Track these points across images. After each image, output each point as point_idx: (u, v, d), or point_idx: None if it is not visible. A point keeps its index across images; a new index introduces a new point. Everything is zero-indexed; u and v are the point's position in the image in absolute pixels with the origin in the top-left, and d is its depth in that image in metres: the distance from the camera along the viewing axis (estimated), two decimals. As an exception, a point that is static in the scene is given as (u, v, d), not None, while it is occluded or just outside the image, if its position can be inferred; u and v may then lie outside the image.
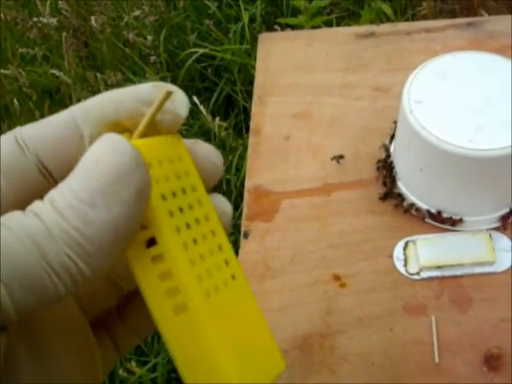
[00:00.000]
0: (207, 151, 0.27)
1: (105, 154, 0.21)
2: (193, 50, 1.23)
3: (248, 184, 0.67)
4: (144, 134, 0.24)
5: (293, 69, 0.76)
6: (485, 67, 0.58)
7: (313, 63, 0.76)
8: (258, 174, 0.67)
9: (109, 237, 0.21)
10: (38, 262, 0.20)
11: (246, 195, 0.66)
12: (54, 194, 0.21)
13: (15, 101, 1.25)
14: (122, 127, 0.25)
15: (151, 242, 0.23)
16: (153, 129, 0.25)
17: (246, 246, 0.62)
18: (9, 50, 1.29)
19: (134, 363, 1.08)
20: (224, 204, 0.28)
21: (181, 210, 0.24)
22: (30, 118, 1.35)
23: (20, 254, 0.20)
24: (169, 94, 0.24)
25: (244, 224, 0.63)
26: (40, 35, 1.26)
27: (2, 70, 1.22)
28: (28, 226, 0.20)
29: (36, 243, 0.20)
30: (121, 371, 1.10)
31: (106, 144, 0.22)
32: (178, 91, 0.25)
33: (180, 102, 0.25)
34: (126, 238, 0.22)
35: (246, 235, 0.63)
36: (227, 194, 1.20)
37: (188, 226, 0.24)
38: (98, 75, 1.20)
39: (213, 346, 0.23)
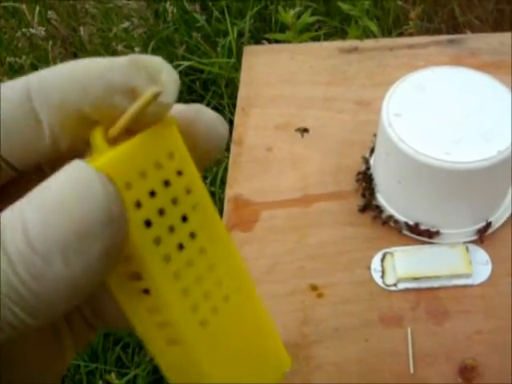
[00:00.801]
0: (211, 121, 0.23)
1: (70, 198, 0.17)
2: (180, 62, 1.24)
3: (228, 194, 0.67)
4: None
5: (276, 81, 0.77)
6: (463, 82, 0.59)
7: (296, 76, 0.77)
8: (239, 184, 0.67)
9: (62, 295, 0.18)
10: None
11: (226, 205, 0.66)
12: (7, 220, 0.18)
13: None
14: (87, 118, 0.20)
15: (136, 276, 0.20)
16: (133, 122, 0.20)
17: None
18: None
19: (113, 375, 1.08)
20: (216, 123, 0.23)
21: (171, 229, 0.21)
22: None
23: None
24: (156, 96, 0.20)
25: (223, 233, 0.64)
26: (28, 44, 1.27)
27: None
28: None
29: None
30: (100, 383, 1.09)
31: (72, 182, 0.18)
32: (165, 69, 0.20)
33: (168, 87, 0.20)
34: (86, 292, 0.18)
35: (225, 244, 0.63)
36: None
37: (180, 246, 0.21)
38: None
39: (209, 376, 0.22)
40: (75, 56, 1.36)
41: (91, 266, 0.18)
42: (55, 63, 1.22)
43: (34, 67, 1.35)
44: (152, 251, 0.20)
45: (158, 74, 0.20)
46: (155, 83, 0.20)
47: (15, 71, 1.33)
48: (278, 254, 0.62)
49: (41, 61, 1.33)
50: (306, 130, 0.61)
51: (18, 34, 1.25)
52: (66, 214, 0.17)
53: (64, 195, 0.17)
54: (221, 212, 0.67)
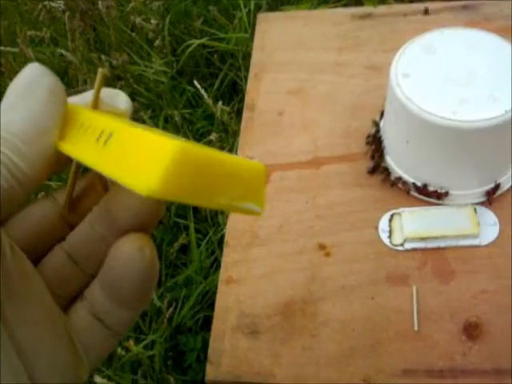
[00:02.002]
0: (111, 97, 0.28)
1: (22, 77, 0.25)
2: (197, 40, 1.25)
3: (240, 156, 0.68)
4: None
5: (289, 47, 0.77)
6: (472, 43, 0.59)
7: (309, 42, 0.77)
8: (250, 148, 0.68)
9: (32, 129, 0.23)
10: None
11: (237, 167, 0.67)
12: None
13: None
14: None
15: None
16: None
17: (234, 214, 0.63)
18: (18, 32, 1.31)
19: (131, 341, 1.10)
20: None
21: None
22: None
23: None
24: (103, 75, 0.27)
25: (234, 194, 0.64)
26: (48, 17, 1.28)
27: (10, 48, 1.24)
28: None
29: None
30: (119, 350, 1.12)
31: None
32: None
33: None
34: (49, 129, 0.24)
35: (235, 205, 0.64)
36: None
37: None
38: (103, 57, 1.22)
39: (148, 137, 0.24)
40: (94, 30, 1.38)
41: (44, 105, 0.24)
42: (74, 36, 1.24)
43: (54, 40, 1.37)
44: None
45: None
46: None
47: (36, 44, 1.35)
48: (288, 214, 0.62)
49: (60, 34, 1.34)
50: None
51: (40, 6, 1.26)
52: (19, 80, 0.25)
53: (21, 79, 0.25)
54: None
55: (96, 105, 0.28)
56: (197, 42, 1.24)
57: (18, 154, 0.23)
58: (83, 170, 0.27)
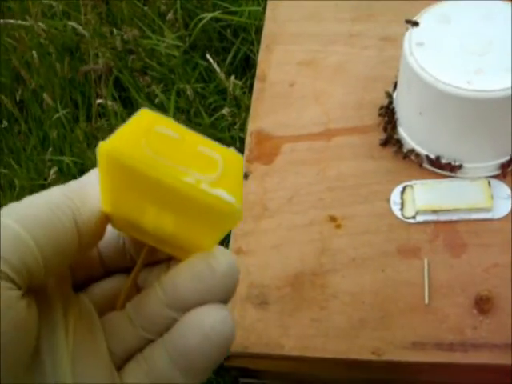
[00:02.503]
0: None
1: None
2: (209, 14, 1.23)
3: (250, 128, 0.67)
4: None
5: (301, 18, 0.76)
6: (488, 12, 0.58)
7: (321, 13, 0.76)
8: (261, 119, 0.67)
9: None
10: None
11: (247, 138, 0.66)
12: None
13: (35, 54, 1.26)
14: None
15: None
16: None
17: (245, 186, 0.62)
18: (30, 5, 1.31)
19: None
20: None
21: None
22: (51, 72, 1.37)
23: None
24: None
25: (244, 165, 0.64)
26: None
27: (21, 22, 1.24)
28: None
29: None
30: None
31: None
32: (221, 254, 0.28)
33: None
34: None
35: (246, 176, 0.63)
36: (241, 152, 1.20)
37: None
38: (115, 31, 1.21)
39: None
40: (107, 3, 1.37)
41: None
42: (86, 10, 1.23)
43: (66, 14, 1.36)
44: None
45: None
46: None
47: (48, 18, 1.34)
48: (298, 185, 0.62)
49: (72, 8, 1.34)
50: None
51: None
52: None
53: None
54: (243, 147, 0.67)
55: None
56: (209, 15, 1.23)
57: (84, 204, 0.26)
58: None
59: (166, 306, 0.27)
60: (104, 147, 0.24)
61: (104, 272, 0.31)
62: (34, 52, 1.29)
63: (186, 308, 0.27)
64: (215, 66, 1.12)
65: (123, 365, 0.28)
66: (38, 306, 0.25)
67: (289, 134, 0.66)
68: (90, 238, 0.27)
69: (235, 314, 0.55)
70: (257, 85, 0.70)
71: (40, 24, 1.22)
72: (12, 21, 1.28)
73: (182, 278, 0.27)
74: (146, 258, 0.28)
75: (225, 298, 0.27)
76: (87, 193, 0.27)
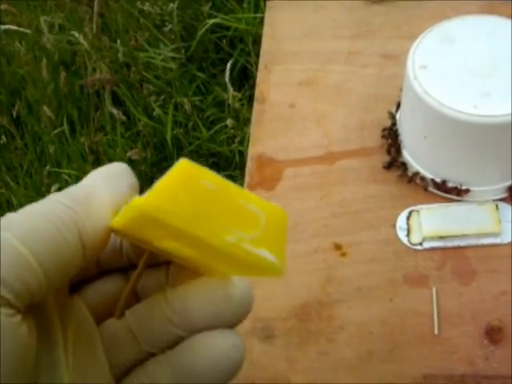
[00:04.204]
0: None
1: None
2: (207, 20, 1.22)
3: (251, 152, 0.66)
4: None
5: (300, 36, 0.75)
6: (492, 30, 0.56)
7: (320, 30, 0.75)
8: (262, 142, 0.66)
9: (108, 205, 0.26)
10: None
11: (248, 163, 0.65)
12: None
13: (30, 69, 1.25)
14: None
15: None
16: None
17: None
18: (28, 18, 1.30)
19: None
20: None
21: None
22: (47, 86, 1.36)
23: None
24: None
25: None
26: (55, 4, 1.26)
27: (24, 29, 1.23)
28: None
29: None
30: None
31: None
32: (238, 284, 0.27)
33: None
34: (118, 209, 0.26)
35: (247, 203, 0.62)
36: (240, 166, 1.19)
37: None
38: (111, 44, 1.20)
39: None
40: (102, 16, 1.35)
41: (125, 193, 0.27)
42: (82, 23, 1.21)
43: (63, 27, 1.35)
44: None
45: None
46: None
47: (45, 31, 1.33)
48: (301, 212, 0.61)
49: (70, 21, 1.32)
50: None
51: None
52: None
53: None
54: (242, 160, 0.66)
55: None
56: (211, 21, 1.21)
57: (90, 218, 0.25)
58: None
59: (172, 324, 0.26)
60: (141, 203, 0.23)
61: (98, 271, 0.30)
62: (29, 66, 1.27)
63: (194, 329, 0.26)
64: (217, 77, 1.10)
65: (122, 378, 0.27)
66: (37, 322, 0.24)
67: (290, 158, 0.64)
68: (94, 251, 0.26)
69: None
70: (256, 107, 0.69)
71: (39, 37, 1.21)
72: (11, 26, 1.26)
73: (195, 299, 0.26)
74: (146, 262, 0.27)
75: (235, 324, 0.27)
76: (92, 204, 0.26)
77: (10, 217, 0.24)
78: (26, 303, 0.23)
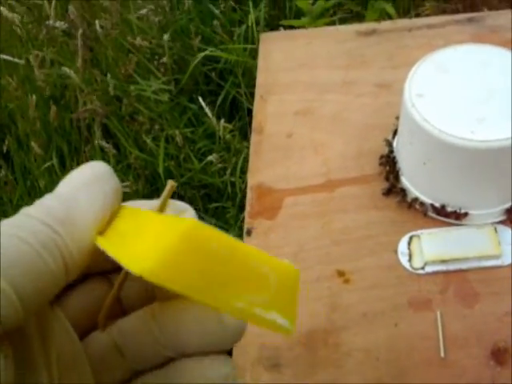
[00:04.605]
0: None
1: None
2: (198, 53, 1.23)
3: (250, 182, 0.66)
4: None
5: (294, 67, 0.76)
6: (485, 59, 0.58)
7: (314, 61, 0.76)
8: (261, 172, 0.67)
9: (90, 220, 0.24)
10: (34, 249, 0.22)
11: (248, 193, 0.65)
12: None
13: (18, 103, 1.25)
14: None
15: None
16: None
17: (249, 243, 0.62)
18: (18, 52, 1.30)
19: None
20: None
21: None
22: (37, 120, 1.36)
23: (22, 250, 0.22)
24: (174, 187, 0.26)
25: (247, 221, 0.63)
26: (47, 38, 1.27)
27: (19, 60, 1.23)
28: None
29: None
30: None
31: None
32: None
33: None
34: (100, 222, 0.25)
35: (249, 232, 0.62)
36: (232, 197, 1.20)
37: None
38: (101, 77, 1.21)
39: None
40: (91, 50, 1.36)
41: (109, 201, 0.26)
42: (74, 57, 1.22)
43: (54, 61, 1.36)
44: None
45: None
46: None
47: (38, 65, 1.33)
48: (303, 240, 0.61)
49: (61, 55, 1.33)
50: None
51: (42, 27, 1.25)
52: None
53: None
54: (245, 196, 0.66)
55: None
56: (202, 54, 1.22)
57: (74, 240, 0.23)
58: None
59: (162, 345, 0.25)
60: (143, 269, 0.21)
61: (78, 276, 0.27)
62: (19, 101, 1.28)
63: (185, 352, 0.25)
64: (207, 109, 1.11)
65: None
66: (15, 347, 0.22)
67: (290, 187, 0.65)
68: (77, 271, 0.24)
69: (247, 377, 0.54)
70: (254, 137, 0.70)
71: (30, 72, 1.21)
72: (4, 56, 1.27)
73: (187, 325, 0.24)
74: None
75: (228, 347, 0.25)
76: (76, 224, 0.23)
77: None
78: (0, 334, 0.21)
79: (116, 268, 0.26)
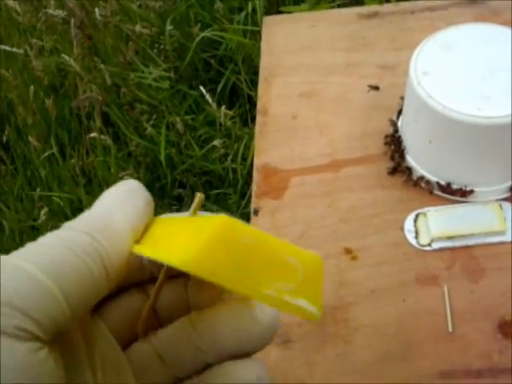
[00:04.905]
0: None
1: None
2: (200, 34, 1.23)
3: (256, 163, 0.67)
4: None
5: (297, 50, 0.76)
6: (488, 37, 0.59)
7: (317, 44, 0.76)
8: (266, 153, 0.67)
9: (127, 229, 0.26)
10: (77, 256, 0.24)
11: (254, 174, 0.66)
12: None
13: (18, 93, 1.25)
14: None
15: None
16: None
17: (256, 222, 0.62)
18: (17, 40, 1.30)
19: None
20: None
21: None
22: (37, 110, 1.36)
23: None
24: (201, 199, 0.27)
25: (254, 202, 0.64)
26: (46, 26, 1.27)
27: (17, 50, 1.23)
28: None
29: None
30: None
31: None
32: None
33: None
34: (138, 232, 0.27)
35: (256, 212, 0.63)
36: (233, 184, 1.20)
37: None
38: (101, 65, 1.21)
39: None
40: (90, 39, 1.36)
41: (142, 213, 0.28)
42: (72, 45, 1.22)
43: (54, 50, 1.35)
44: None
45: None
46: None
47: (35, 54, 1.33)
48: (310, 219, 0.62)
49: (60, 43, 1.33)
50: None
51: (40, 14, 1.25)
52: None
53: None
54: (246, 189, 0.67)
55: None
56: (202, 34, 1.22)
57: (113, 247, 0.25)
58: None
59: (200, 350, 0.27)
60: (182, 260, 0.23)
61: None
62: (18, 90, 1.28)
63: (222, 355, 0.26)
64: (208, 96, 1.11)
65: None
66: (62, 351, 0.24)
67: (296, 167, 0.66)
68: (117, 278, 0.26)
69: (258, 353, 0.55)
70: (259, 119, 0.70)
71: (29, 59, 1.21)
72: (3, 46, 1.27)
73: (223, 327, 0.26)
74: (165, 276, 0.28)
75: (262, 347, 0.27)
76: (114, 232, 0.25)
77: (32, 248, 0.24)
78: (51, 336, 0.23)
79: (151, 279, 0.29)
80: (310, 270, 0.26)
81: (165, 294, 0.29)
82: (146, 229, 0.27)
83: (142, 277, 0.29)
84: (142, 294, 0.29)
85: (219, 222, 0.25)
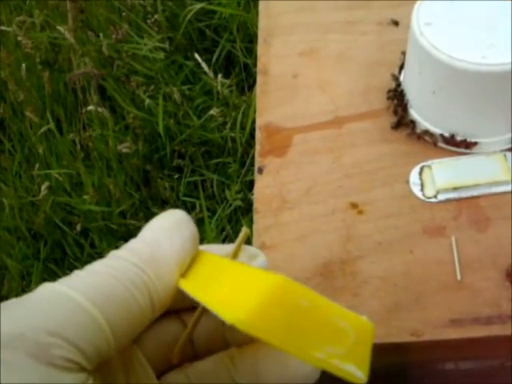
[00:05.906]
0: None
1: None
2: (198, 5, 1.22)
3: (259, 122, 0.66)
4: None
5: (295, 9, 0.76)
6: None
7: (315, 2, 0.76)
8: (268, 112, 0.67)
9: (173, 263, 0.26)
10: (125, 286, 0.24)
11: (257, 133, 0.66)
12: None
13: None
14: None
15: None
16: None
17: (261, 180, 0.62)
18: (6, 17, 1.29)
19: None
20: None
21: None
22: (31, 86, 1.35)
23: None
24: (247, 234, 0.28)
25: (258, 160, 0.64)
26: (36, 2, 1.26)
27: (6, 28, 1.22)
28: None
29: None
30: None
31: None
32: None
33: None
34: (184, 265, 0.27)
35: (261, 170, 0.63)
36: (233, 152, 1.20)
37: None
38: (95, 38, 1.20)
39: None
40: (82, 12, 1.35)
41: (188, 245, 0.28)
42: (65, 19, 1.21)
43: (46, 25, 1.34)
44: None
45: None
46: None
47: (26, 30, 1.32)
48: (315, 175, 0.62)
49: (51, 17, 1.32)
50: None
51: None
52: None
53: None
54: (246, 157, 0.67)
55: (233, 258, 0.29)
56: (196, 6, 1.21)
57: (160, 280, 0.25)
58: None
59: None
60: (238, 319, 0.23)
61: None
62: (11, 67, 1.27)
63: None
64: (204, 65, 1.11)
65: None
66: (103, 380, 0.24)
67: (298, 125, 0.65)
68: (162, 310, 0.26)
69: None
70: (259, 78, 0.70)
71: (19, 37, 1.20)
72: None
73: (265, 366, 0.26)
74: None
75: None
76: (161, 265, 0.25)
77: (79, 275, 0.23)
78: (96, 366, 0.23)
79: (188, 307, 0.29)
80: (360, 335, 0.26)
81: (202, 325, 0.28)
82: (191, 262, 0.28)
83: (181, 305, 0.29)
84: (179, 322, 0.29)
85: (278, 282, 0.25)
